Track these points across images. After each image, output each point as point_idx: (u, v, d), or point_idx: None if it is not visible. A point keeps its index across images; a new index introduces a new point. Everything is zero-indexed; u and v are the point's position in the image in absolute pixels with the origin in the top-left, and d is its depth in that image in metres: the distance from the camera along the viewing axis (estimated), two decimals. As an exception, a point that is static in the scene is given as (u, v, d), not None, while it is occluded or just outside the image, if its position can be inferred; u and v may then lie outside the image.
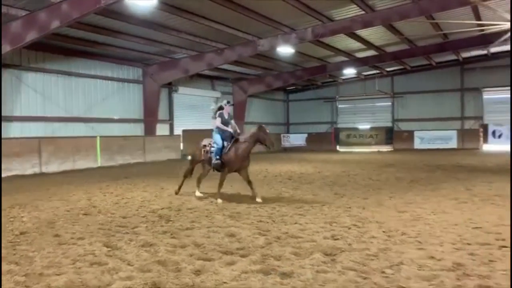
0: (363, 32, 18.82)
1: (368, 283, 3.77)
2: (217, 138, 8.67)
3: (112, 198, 9.11)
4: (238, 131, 8.90)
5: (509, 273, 3.92)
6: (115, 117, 19.86)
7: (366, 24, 16.20)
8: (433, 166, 15.40)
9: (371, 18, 15.77)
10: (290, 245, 5.05)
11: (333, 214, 6.88)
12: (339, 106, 32.13)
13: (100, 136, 17.72)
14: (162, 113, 22.70)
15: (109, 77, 19.83)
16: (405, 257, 4.47)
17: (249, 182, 8.64)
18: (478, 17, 16.76)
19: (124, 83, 20.57)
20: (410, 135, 28.44)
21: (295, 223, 6.30)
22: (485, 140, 26.15)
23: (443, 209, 7.12)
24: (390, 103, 30.06)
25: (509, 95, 26.51)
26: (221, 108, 8.87)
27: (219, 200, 8.31)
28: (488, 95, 27.22)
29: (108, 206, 8.06)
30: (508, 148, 24.52)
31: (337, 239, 5.32)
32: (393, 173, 13.38)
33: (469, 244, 4.96)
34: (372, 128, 29.96)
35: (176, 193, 9.26)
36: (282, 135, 32.02)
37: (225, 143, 8.58)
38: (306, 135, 31.69)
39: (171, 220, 6.66)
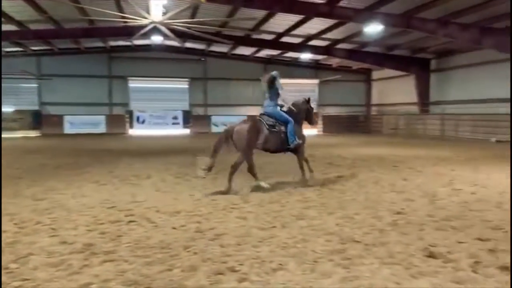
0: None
1: (-13, 284, 3.40)
2: (283, 114, 7.82)
3: None
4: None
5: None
6: None
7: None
8: (81, 151, 15.48)
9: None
10: None
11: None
12: (-26, 84, 27.34)
13: None
14: None
15: None
16: (36, 247, 4.29)
17: (307, 161, 8.17)
18: (121, 9, 17.86)
19: None
20: (60, 119, 27.56)
21: None
22: (131, 126, 28.46)
23: (83, 193, 7.26)
24: (36, 85, 28.01)
25: (150, 85, 29.87)
26: (274, 78, 7.71)
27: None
28: (133, 83, 29.64)
29: None
30: (150, 132, 27.64)
31: (-47, 241, 4.53)
32: (38, 159, 12.60)
33: (102, 223, 5.25)
34: (16, 111, 27.16)
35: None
36: None
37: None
38: None
39: None
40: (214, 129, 29.51)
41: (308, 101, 8.39)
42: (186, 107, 30.11)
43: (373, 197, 6.89)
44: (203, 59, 30.15)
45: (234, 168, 7.41)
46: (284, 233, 4.82)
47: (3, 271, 3.65)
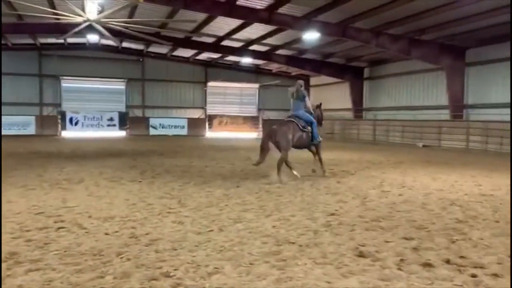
0: None
1: None
2: (309, 115, 9.41)
3: None
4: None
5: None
6: None
7: None
8: (6, 153, 14.48)
9: None
10: None
11: None
12: None
13: None
14: None
15: None
16: (-49, 258, 3.95)
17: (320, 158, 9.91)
18: (53, 5, 16.99)
19: None
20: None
21: None
22: (63, 127, 27.11)
23: (8, 199, 6.78)
24: (-44, 82, 25.86)
25: (84, 85, 28.63)
26: (301, 88, 9.40)
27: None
28: (66, 83, 28.27)
29: None
30: (84, 134, 26.52)
31: None
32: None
33: (28, 230, 4.94)
34: None
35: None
36: None
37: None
38: None
39: None
40: (152, 132, 28.90)
41: (318, 106, 10.43)
42: (123, 109, 29.22)
43: (309, 199, 7.08)
44: (141, 59, 29.44)
45: (286, 163, 9.08)
46: (221, 236, 4.82)
47: None
